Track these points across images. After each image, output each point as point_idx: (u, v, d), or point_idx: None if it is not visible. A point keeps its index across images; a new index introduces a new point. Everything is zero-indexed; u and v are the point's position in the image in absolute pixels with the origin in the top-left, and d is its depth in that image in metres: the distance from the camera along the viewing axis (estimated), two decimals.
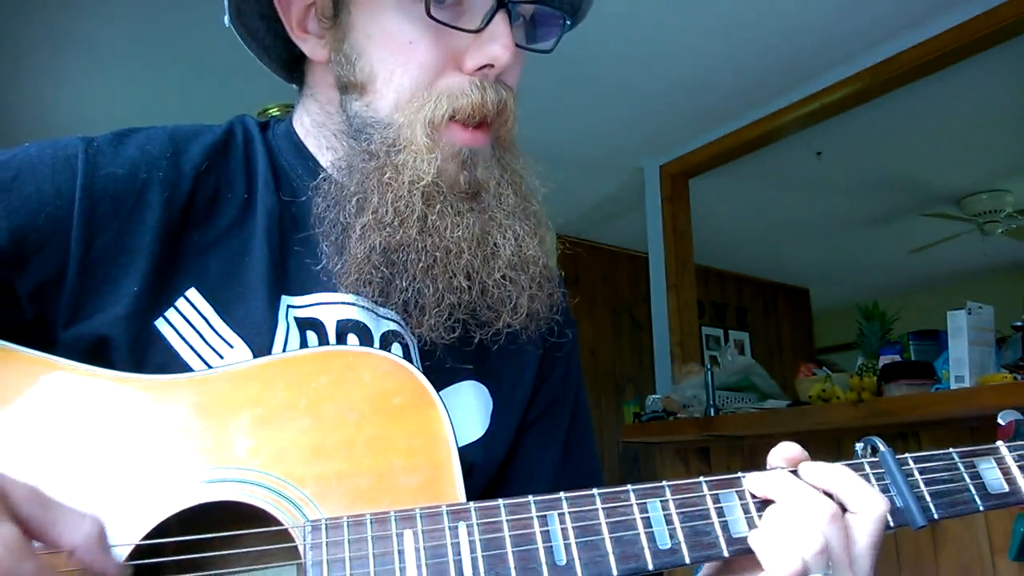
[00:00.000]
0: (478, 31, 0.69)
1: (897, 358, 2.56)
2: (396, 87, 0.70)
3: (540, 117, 3.46)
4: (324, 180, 0.73)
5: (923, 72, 3.01)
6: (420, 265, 0.69)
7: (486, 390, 0.77)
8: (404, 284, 0.69)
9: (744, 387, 3.24)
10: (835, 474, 0.56)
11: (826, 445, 2.63)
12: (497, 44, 0.68)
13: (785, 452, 0.59)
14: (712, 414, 2.91)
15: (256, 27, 0.78)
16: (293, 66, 0.83)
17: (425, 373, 0.72)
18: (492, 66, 0.70)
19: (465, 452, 0.72)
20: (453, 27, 0.68)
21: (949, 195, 4.72)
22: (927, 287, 6.90)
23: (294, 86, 0.84)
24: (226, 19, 0.75)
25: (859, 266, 6.28)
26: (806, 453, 0.60)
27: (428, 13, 0.67)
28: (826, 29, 2.93)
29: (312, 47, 0.75)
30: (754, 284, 6.32)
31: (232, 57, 0.80)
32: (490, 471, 0.77)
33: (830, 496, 0.55)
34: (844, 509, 0.55)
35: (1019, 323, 2.31)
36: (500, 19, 0.68)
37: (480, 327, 0.72)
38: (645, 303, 4.50)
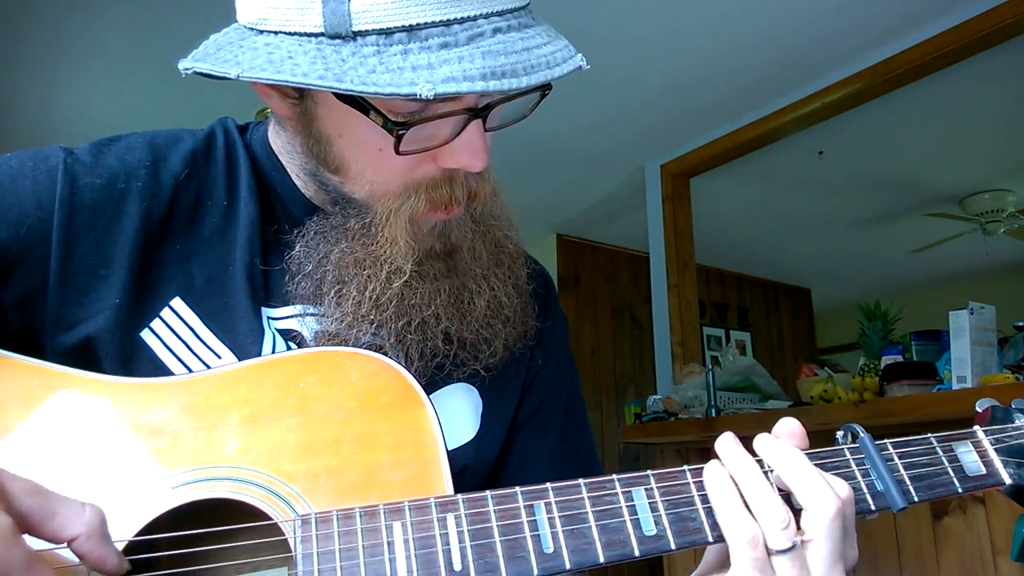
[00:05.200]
0: (449, 142, 0.64)
1: (899, 358, 2.56)
2: (370, 182, 0.68)
3: (541, 117, 3.39)
4: (301, 237, 0.71)
5: (923, 72, 3.01)
6: (400, 323, 0.69)
7: (475, 390, 0.77)
8: (387, 339, 0.69)
9: (745, 387, 3.24)
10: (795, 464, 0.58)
11: (828, 446, 2.62)
12: (469, 154, 0.64)
13: (784, 428, 0.62)
14: (713, 415, 2.91)
15: None
16: None
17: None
18: None
19: (456, 454, 0.73)
20: (425, 150, 0.64)
21: (951, 195, 4.71)
22: (929, 287, 6.89)
23: None
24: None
25: (861, 266, 6.28)
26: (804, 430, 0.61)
27: (397, 152, 0.62)
28: (826, 29, 2.94)
29: (277, 104, 0.68)
30: (755, 284, 6.32)
31: None
32: (481, 471, 0.77)
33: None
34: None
35: (1021, 323, 2.30)
36: (473, 129, 0.63)
37: (457, 367, 0.74)
38: (646, 303, 4.51)
